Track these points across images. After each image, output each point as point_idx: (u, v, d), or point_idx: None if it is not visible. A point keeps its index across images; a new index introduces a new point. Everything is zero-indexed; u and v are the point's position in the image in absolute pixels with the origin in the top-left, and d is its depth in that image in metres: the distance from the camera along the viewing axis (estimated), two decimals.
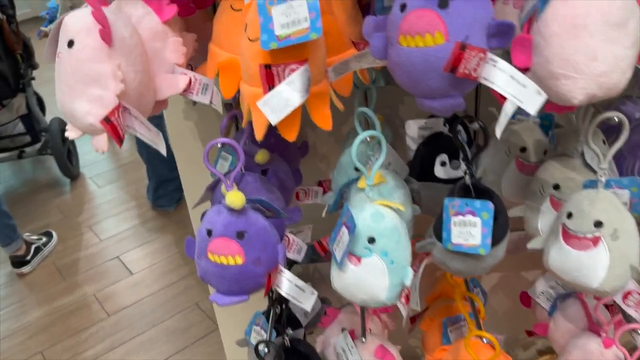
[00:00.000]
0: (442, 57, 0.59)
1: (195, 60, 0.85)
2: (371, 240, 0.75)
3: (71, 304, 2.43)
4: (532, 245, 0.83)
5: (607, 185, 0.76)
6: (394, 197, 0.82)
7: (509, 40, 0.60)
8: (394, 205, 0.77)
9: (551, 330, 1.10)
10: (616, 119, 0.69)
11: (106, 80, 0.62)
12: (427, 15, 0.58)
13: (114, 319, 2.31)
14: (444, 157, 0.90)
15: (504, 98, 0.63)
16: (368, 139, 0.75)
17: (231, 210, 0.76)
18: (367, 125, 0.85)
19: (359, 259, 0.76)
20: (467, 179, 0.78)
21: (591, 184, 0.78)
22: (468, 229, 0.76)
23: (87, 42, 0.61)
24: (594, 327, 1.01)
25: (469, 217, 0.76)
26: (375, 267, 0.75)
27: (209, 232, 0.76)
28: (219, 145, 0.93)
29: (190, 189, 1.21)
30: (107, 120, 0.60)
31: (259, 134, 0.67)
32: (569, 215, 0.76)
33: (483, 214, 0.75)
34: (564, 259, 0.76)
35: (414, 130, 0.97)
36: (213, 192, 0.89)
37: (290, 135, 0.68)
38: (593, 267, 0.73)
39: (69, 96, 0.62)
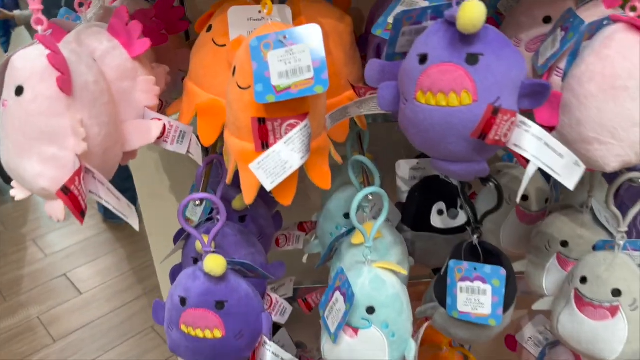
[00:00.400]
0: (468, 120, 0.50)
1: (166, 95, 0.74)
2: (370, 310, 0.66)
3: (12, 327, 2.23)
4: (538, 306, 0.77)
5: (622, 247, 0.70)
6: (391, 254, 0.74)
7: (542, 102, 0.52)
8: (395, 269, 0.69)
9: None
10: None
11: (64, 137, 0.51)
12: (454, 71, 0.50)
13: (61, 344, 2.13)
14: (441, 205, 0.83)
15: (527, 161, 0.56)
16: (370, 196, 0.66)
17: (210, 276, 0.65)
18: (363, 172, 0.76)
19: (355, 330, 0.67)
20: (475, 240, 0.71)
21: (603, 245, 0.73)
22: (477, 296, 0.68)
23: (40, 90, 0.49)
24: None
25: (478, 284, 0.68)
26: (374, 341, 0.66)
27: (183, 301, 0.66)
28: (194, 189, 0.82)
29: (150, 209, 1.09)
30: (65, 190, 0.49)
31: (249, 198, 0.57)
32: (583, 280, 0.70)
33: (494, 281, 0.67)
34: (577, 327, 0.70)
35: (405, 170, 0.89)
36: (186, 242, 0.79)
37: (286, 200, 0.58)
38: (609, 339, 0.67)
39: (16, 154, 0.51)
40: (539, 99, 0.52)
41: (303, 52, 0.52)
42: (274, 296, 0.76)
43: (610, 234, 0.76)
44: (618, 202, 0.85)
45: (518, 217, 0.85)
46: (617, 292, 0.66)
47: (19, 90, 0.49)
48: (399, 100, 0.58)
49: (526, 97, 0.52)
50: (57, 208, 0.52)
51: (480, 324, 0.69)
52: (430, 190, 0.84)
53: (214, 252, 0.67)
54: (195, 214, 0.84)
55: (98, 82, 0.52)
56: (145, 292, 2.35)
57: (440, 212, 0.83)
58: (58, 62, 0.49)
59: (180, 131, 0.60)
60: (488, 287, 0.68)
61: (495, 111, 0.49)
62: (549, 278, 0.79)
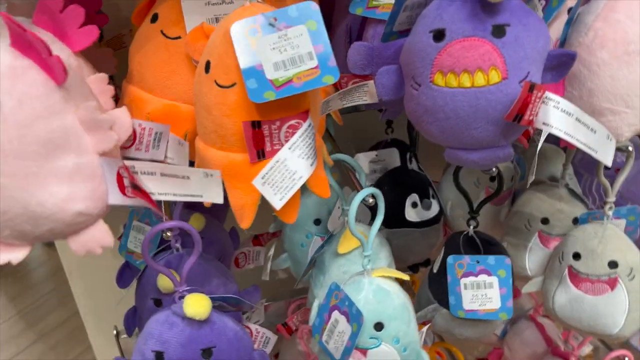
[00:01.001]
0: (498, 101, 0.44)
1: None
2: (378, 326, 0.58)
3: None
4: (528, 289, 0.74)
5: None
6: (381, 259, 0.67)
7: (565, 74, 0.48)
8: (395, 275, 0.61)
9: (507, 357, 1.05)
10: (630, 148, 0.62)
11: (77, 137, 0.38)
12: (479, 47, 0.44)
13: None
14: (414, 197, 0.77)
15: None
16: (370, 199, 0.58)
17: (191, 320, 0.53)
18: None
19: (364, 352, 0.59)
20: (471, 231, 0.66)
21: (586, 217, 0.71)
22: (483, 291, 0.63)
23: (21, 90, 0.36)
24: (557, 351, 0.96)
25: (484, 278, 0.63)
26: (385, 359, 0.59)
27: (159, 356, 0.53)
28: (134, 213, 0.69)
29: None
30: (134, 187, 0.39)
31: (246, 222, 0.47)
32: (576, 256, 0.68)
33: (500, 271, 0.63)
34: (576, 306, 0.68)
35: (364, 164, 0.82)
36: (139, 280, 0.65)
37: (292, 218, 0.48)
38: (611, 313, 0.66)
39: (20, 188, 0.36)
40: (563, 71, 0.47)
41: (300, 35, 0.43)
42: (253, 327, 0.66)
43: (586, 205, 0.76)
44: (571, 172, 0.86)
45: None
46: (613, 264, 0.65)
47: None
48: (402, 86, 0.51)
49: (551, 69, 0.47)
50: (99, 233, 0.40)
51: (487, 320, 0.65)
52: (400, 182, 0.78)
53: (188, 290, 0.55)
54: (138, 244, 0.70)
55: (76, 64, 0.40)
56: (40, 335, 2.07)
57: (414, 205, 0.77)
58: (31, 42, 0.35)
59: (156, 133, 0.47)
60: (494, 279, 0.63)
61: (532, 88, 0.43)
62: (532, 258, 0.76)
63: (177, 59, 0.52)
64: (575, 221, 0.73)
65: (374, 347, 0.59)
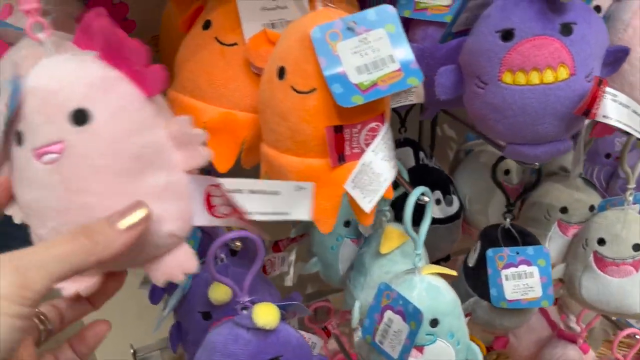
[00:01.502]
0: (566, 97, 0.46)
1: None
2: (434, 322, 0.59)
3: None
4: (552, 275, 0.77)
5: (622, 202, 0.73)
6: (420, 254, 0.67)
7: (617, 68, 0.50)
8: (443, 271, 0.62)
9: (512, 343, 1.08)
10: None
11: (168, 153, 0.36)
12: (549, 45, 0.45)
13: None
14: (437, 194, 0.79)
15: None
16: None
17: (256, 330, 0.53)
18: None
19: (420, 349, 0.59)
20: (507, 223, 0.68)
21: (605, 204, 0.75)
22: (525, 281, 0.65)
23: (115, 102, 0.33)
24: (563, 334, 1.01)
25: (524, 268, 0.65)
26: (442, 355, 0.60)
27: None
28: None
29: None
30: (226, 206, 0.36)
31: (327, 227, 0.46)
32: (601, 242, 0.71)
33: (539, 261, 0.65)
34: (603, 289, 0.71)
35: None
36: (185, 295, 0.63)
37: (328, 227, 0.48)
38: (637, 293, 0.69)
39: (111, 208, 0.33)
40: (616, 66, 0.50)
41: (380, 39, 0.43)
42: (303, 333, 0.65)
43: (600, 193, 0.79)
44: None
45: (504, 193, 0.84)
46: (637, 247, 0.69)
47: (81, 117, 0.32)
48: (460, 85, 0.52)
49: (607, 65, 0.49)
50: (184, 257, 0.37)
51: (527, 308, 0.67)
52: (423, 180, 0.79)
53: (250, 300, 0.54)
54: None
55: None
56: None
57: (437, 202, 0.79)
58: (123, 53, 0.33)
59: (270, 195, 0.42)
60: (534, 269, 0.65)
61: (600, 83, 0.45)
62: (552, 246, 0.79)
63: (234, 66, 0.51)
64: (592, 209, 0.77)
65: (430, 344, 0.60)
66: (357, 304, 0.69)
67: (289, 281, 0.84)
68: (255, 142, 0.52)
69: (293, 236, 0.83)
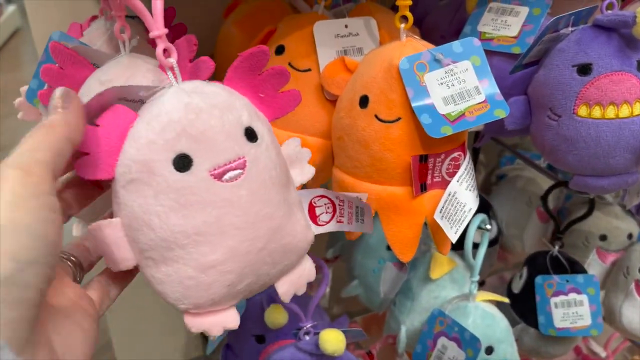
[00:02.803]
0: (639, 131, 0.47)
1: None
2: (489, 350, 0.60)
3: None
4: None
5: None
6: (467, 281, 0.68)
7: None
8: (497, 299, 0.63)
9: None
10: None
11: (288, 170, 0.38)
12: (627, 81, 0.46)
13: None
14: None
15: None
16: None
17: (319, 356, 0.52)
18: None
19: None
20: (556, 251, 0.68)
21: None
22: (574, 309, 0.66)
23: (265, 123, 0.36)
24: (588, 359, 1.01)
25: (574, 296, 0.66)
26: None
27: None
28: None
29: None
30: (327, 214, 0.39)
31: (407, 255, 0.47)
32: None
33: (589, 289, 0.66)
34: None
35: None
36: None
37: (408, 256, 0.48)
38: None
39: (282, 217, 0.35)
40: None
41: (466, 70, 0.44)
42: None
43: (637, 221, 0.80)
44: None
45: (539, 219, 0.85)
46: None
47: (252, 134, 0.33)
48: (528, 116, 0.53)
49: None
50: (310, 266, 0.38)
51: (573, 337, 0.67)
52: None
53: (313, 325, 0.54)
54: None
55: None
56: None
57: (478, 228, 0.79)
58: (254, 81, 0.35)
59: (357, 207, 0.43)
60: (584, 297, 0.66)
61: None
62: (591, 273, 0.80)
63: (307, 92, 0.51)
64: (630, 237, 0.78)
65: None
66: (403, 329, 0.69)
67: (324, 302, 0.83)
68: (322, 167, 0.52)
69: (330, 257, 0.83)
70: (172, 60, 0.33)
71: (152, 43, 0.35)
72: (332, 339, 0.51)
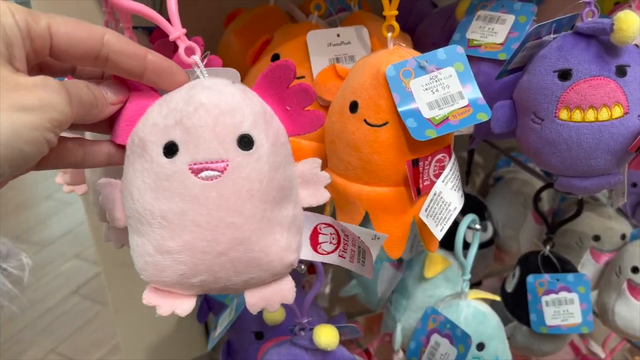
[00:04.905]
0: (619, 134, 0.49)
1: None
2: (480, 346, 0.62)
3: None
4: None
5: None
6: (467, 280, 0.70)
7: None
8: (489, 297, 0.65)
9: None
10: None
11: (296, 188, 0.38)
12: (605, 85, 0.48)
13: None
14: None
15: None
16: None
17: (314, 351, 0.55)
18: None
19: None
20: (547, 250, 0.70)
21: (636, 233, 0.78)
22: (565, 307, 0.67)
23: (274, 134, 0.36)
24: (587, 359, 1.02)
25: (564, 294, 0.68)
26: None
27: None
28: None
29: (115, 280, 0.89)
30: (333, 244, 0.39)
31: (396, 253, 0.49)
32: (635, 270, 0.73)
33: (579, 288, 0.67)
34: (637, 316, 0.73)
35: None
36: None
37: (398, 253, 0.51)
38: None
39: (253, 231, 0.35)
40: None
41: (450, 76, 0.46)
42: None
43: (630, 222, 0.82)
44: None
45: (534, 220, 0.87)
46: None
47: (247, 142, 0.34)
48: (514, 119, 0.55)
49: None
50: (287, 288, 0.38)
51: (565, 334, 0.69)
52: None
53: (308, 321, 0.56)
54: None
55: None
56: None
57: (468, 228, 0.81)
58: (283, 93, 0.37)
59: (359, 247, 0.43)
60: (575, 296, 0.67)
61: None
62: (584, 273, 0.81)
63: None
64: (623, 237, 0.79)
65: None
66: (398, 327, 0.71)
67: (324, 302, 0.85)
68: None
69: None
70: (196, 57, 0.36)
71: (160, 49, 0.38)
72: (326, 334, 0.53)
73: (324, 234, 0.40)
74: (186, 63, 0.36)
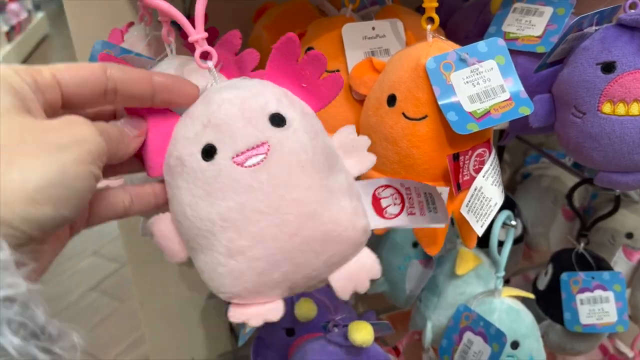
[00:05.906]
0: None
1: None
2: (515, 345, 0.61)
3: None
4: None
5: None
6: (492, 278, 0.69)
7: None
8: (523, 295, 0.64)
9: None
10: None
11: (340, 158, 0.37)
12: None
13: None
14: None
15: None
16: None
17: (348, 348, 0.54)
18: None
19: None
20: (581, 248, 0.69)
21: None
22: (600, 305, 0.66)
23: (300, 106, 0.36)
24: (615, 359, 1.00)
25: (599, 293, 0.66)
26: None
27: None
28: None
29: (142, 276, 0.90)
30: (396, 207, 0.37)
31: (435, 249, 0.48)
32: None
33: (615, 286, 0.66)
34: None
35: None
36: None
37: (436, 249, 0.50)
38: None
39: (318, 201, 0.34)
40: None
41: (491, 69, 0.45)
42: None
43: None
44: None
45: (564, 217, 0.85)
46: None
47: (279, 120, 0.34)
48: (552, 114, 0.54)
49: None
50: (370, 261, 0.36)
51: (599, 333, 0.68)
52: None
53: (342, 318, 0.55)
54: None
55: None
56: None
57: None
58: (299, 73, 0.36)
59: (426, 194, 0.39)
60: (610, 294, 0.66)
61: None
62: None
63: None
64: None
65: None
66: (429, 324, 0.70)
67: (350, 299, 0.85)
68: None
69: None
70: (210, 63, 0.35)
71: (189, 47, 0.37)
72: (361, 330, 0.53)
73: (384, 197, 0.38)
74: (201, 67, 0.35)
